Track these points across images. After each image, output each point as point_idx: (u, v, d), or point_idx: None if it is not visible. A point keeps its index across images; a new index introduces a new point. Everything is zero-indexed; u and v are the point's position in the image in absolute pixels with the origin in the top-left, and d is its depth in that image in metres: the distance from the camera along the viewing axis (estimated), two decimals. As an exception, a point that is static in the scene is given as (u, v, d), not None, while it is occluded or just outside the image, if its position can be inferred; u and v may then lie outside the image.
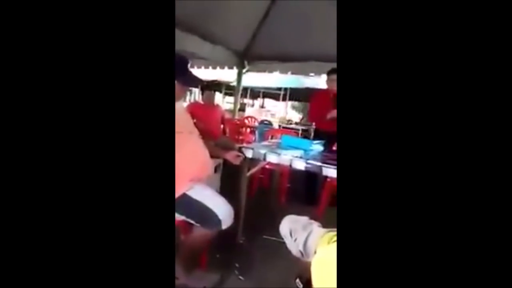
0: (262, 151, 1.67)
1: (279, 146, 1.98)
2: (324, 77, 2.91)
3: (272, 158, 1.66)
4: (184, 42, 2.71)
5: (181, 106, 1.87)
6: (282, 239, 0.82)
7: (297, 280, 0.77)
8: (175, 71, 1.09)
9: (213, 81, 3.34)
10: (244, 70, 4.20)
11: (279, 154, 1.65)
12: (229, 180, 1.91)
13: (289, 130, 5.07)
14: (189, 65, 1.34)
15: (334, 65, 2.82)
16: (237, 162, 1.59)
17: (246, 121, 5.47)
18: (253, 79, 5.34)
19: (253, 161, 1.82)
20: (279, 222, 0.85)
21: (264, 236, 1.87)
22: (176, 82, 1.22)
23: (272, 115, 7.38)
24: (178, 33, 2.59)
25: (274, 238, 1.77)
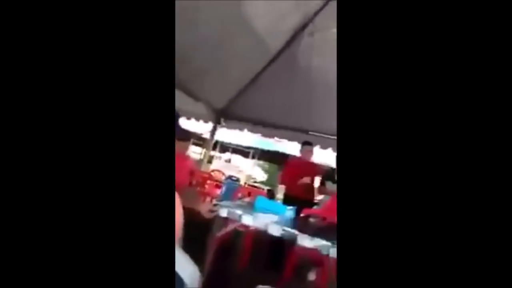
0: (238, 211, 1.63)
1: (252, 206, 1.95)
2: (294, 144, 3.14)
3: (247, 220, 1.62)
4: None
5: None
6: None
7: None
8: None
9: (187, 131, 3.36)
10: (219, 126, 4.33)
11: (254, 217, 1.63)
12: (194, 238, 1.78)
13: (255, 189, 5.07)
14: (179, 119, 1.36)
15: (305, 136, 3.12)
16: (209, 216, 1.52)
17: (212, 173, 5.39)
18: (223, 133, 5.50)
19: (223, 220, 1.74)
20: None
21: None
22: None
23: (240, 171, 7.41)
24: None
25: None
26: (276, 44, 3.05)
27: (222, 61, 2.89)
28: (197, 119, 4.39)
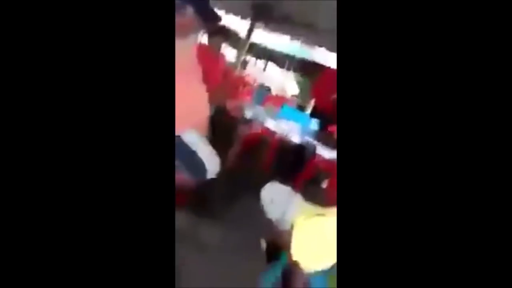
0: (263, 115, 1.67)
1: (278, 114, 1.98)
2: (333, 55, 2.83)
3: (270, 124, 1.67)
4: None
5: (192, 42, 1.72)
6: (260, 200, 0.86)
7: (262, 240, 0.82)
8: (195, 5, 1.04)
9: (222, 27, 3.13)
10: (257, 25, 3.94)
11: (278, 122, 1.66)
12: (221, 133, 1.90)
13: (286, 100, 5.02)
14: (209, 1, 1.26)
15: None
16: (236, 113, 1.57)
17: (245, 79, 5.31)
18: (262, 37, 5.05)
19: (248, 121, 1.82)
20: (260, 185, 0.87)
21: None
22: (195, 15, 1.15)
23: (273, 81, 7.19)
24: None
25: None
26: None
27: None
28: (235, 13, 4.01)
